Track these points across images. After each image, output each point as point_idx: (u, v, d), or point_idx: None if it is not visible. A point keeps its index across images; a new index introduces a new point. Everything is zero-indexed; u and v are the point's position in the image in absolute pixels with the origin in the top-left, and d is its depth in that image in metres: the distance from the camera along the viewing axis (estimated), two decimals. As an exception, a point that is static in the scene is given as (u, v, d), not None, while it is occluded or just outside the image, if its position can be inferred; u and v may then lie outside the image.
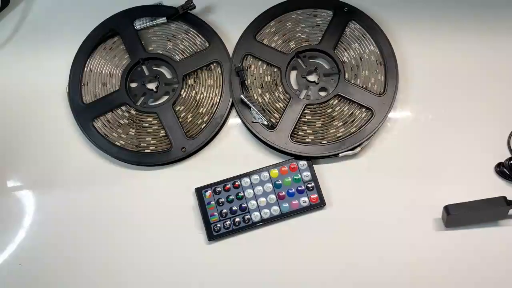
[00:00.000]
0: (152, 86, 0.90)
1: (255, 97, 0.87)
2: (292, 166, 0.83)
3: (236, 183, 0.83)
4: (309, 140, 0.84)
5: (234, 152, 0.86)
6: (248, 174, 0.83)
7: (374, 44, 0.88)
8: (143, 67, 0.91)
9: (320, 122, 0.85)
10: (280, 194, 0.82)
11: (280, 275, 0.79)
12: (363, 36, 0.89)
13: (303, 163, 0.83)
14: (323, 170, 0.84)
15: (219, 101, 0.88)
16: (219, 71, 0.89)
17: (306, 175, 0.83)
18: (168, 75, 0.91)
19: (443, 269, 0.78)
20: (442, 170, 0.83)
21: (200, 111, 0.88)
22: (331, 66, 0.88)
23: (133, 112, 0.88)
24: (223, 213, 0.81)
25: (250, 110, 0.85)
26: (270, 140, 0.84)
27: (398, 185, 0.82)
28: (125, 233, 0.82)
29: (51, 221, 0.84)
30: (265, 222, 0.81)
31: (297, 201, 0.81)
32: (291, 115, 0.85)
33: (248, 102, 0.84)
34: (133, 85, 0.91)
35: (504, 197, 0.77)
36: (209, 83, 0.89)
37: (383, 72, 0.87)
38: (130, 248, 0.82)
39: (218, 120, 0.87)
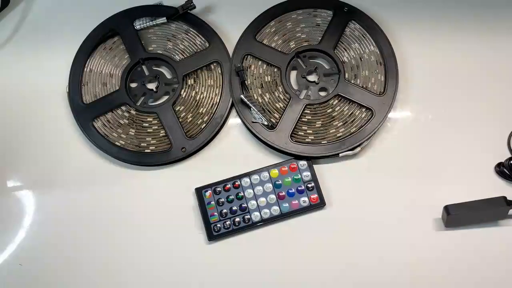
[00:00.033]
0: (152, 86, 0.90)
1: (255, 97, 0.87)
2: (292, 166, 0.83)
3: (236, 183, 0.83)
4: (309, 140, 0.84)
5: (234, 152, 0.86)
6: (248, 174, 0.83)
7: (374, 44, 0.88)
8: (143, 67, 0.91)
9: (320, 122, 0.85)
10: (280, 194, 0.82)
11: (280, 275, 0.79)
12: (363, 36, 0.89)
13: (303, 163, 0.83)
14: (323, 170, 0.84)
15: (219, 101, 0.88)
16: (219, 71, 0.89)
17: (306, 175, 0.83)
18: (168, 75, 0.91)
19: (443, 269, 0.78)
20: (442, 170, 0.83)
21: (200, 111, 0.88)
22: (331, 66, 0.88)
23: (133, 112, 0.88)
24: (223, 213, 0.81)
25: (250, 110, 0.85)
26: (270, 140, 0.84)
27: (398, 185, 0.82)
28: (125, 233, 0.82)
29: (51, 221, 0.84)
30: (265, 222, 0.81)
31: (297, 201, 0.81)
32: (291, 115, 0.85)
33: (248, 102, 0.84)
34: (133, 85, 0.91)
35: (504, 197, 0.77)
36: (209, 83, 0.89)
37: (383, 72, 0.87)
38: (130, 248, 0.82)
39: (218, 120, 0.87)
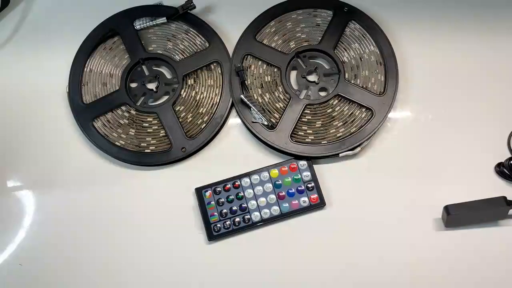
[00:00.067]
0: (152, 86, 0.90)
1: (255, 97, 0.87)
2: (292, 166, 0.83)
3: (236, 183, 0.83)
4: (309, 140, 0.84)
5: (234, 152, 0.86)
6: (248, 174, 0.83)
7: (374, 44, 0.88)
8: (143, 67, 0.91)
9: (320, 122, 0.85)
10: (280, 194, 0.82)
11: (280, 275, 0.79)
12: (363, 36, 0.89)
13: (303, 163, 0.83)
14: (323, 170, 0.84)
15: (219, 101, 0.88)
16: (219, 71, 0.89)
17: (306, 175, 0.83)
18: (168, 75, 0.91)
19: (443, 269, 0.78)
20: (442, 170, 0.83)
21: (200, 111, 0.88)
22: (331, 66, 0.88)
23: (133, 112, 0.88)
24: (223, 213, 0.81)
25: (250, 110, 0.85)
26: (270, 140, 0.84)
27: (398, 185, 0.82)
28: (125, 233, 0.82)
29: (51, 221, 0.84)
30: (265, 222, 0.81)
31: (297, 201, 0.81)
32: (291, 115, 0.85)
33: (248, 102, 0.84)
34: (133, 85, 0.91)
35: (504, 197, 0.77)
36: (209, 83, 0.89)
37: (383, 72, 0.87)
38: (130, 248, 0.82)
39: (218, 120, 0.87)
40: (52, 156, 0.88)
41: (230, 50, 0.90)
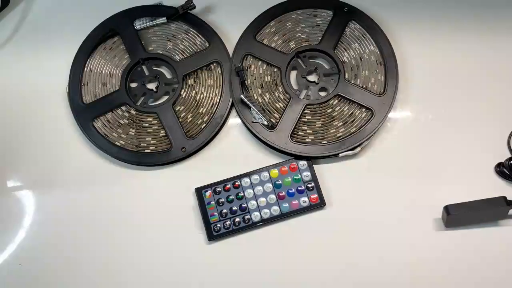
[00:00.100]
0: (152, 86, 0.90)
1: (255, 97, 0.87)
2: (292, 166, 0.83)
3: (236, 183, 0.83)
4: (309, 140, 0.84)
5: (234, 152, 0.86)
6: (248, 174, 0.83)
7: (374, 44, 0.88)
8: (143, 67, 0.91)
9: (320, 122, 0.85)
10: (280, 194, 0.82)
11: (280, 275, 0.79)
12: (363, 36, 0.89)
13: (303, 163, 0.83)
14: (323, 170, 0.84)
15: (219, 101, 0.88)
16: (219, 71, 0.89)
17: (306, 175, 0.83)
18: (168, 75, 0.91)
19: (443, 269, 0.78)
20: (442, 170, 0.83)
21: (200, 111, 0.88)
22: (331, 66, 0.88)
23: (133, 112, 0.88)
24: (223, 213, 0.81)
25: (250, 110, 0.85)
26: (270, 140, 0.84)
27: (398, 185, 0.82)
28: (125, 233, 0.82)
29: (51, 221, 0.84)
30: (265, 222, 0.81)
31: (297, 201, 0.81)
32: (291, 115, 0.85)
33: (248, 102, 0.84)
34: (133, 85, 0.91)
35: (504, 197, 0.77)
36: (209, 83, 0.89)
37: (383, 72, 0.87)
38: (130, 248, 0.82)
39: (218, 120, 0.87)
40: (52, 156, 0.88)
41: (230, 50, 0.90)
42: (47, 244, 0.83)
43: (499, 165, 0.82)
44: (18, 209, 0.85)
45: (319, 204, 0.81)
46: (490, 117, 0.85)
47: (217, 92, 0.88)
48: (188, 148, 0.85)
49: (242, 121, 0.86)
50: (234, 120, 0.88)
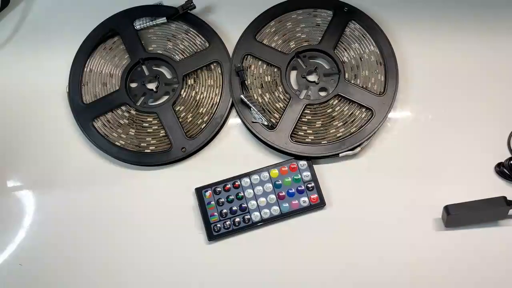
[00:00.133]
0: (152, 86, 0.90)
1: (255, 97, 0.87)
2: (292, 166, 0.83)
3: (236, 183, 0.83)
4: (309, 140, 0.84)
5: (234, 152, 0.86)
6: (248, 174, 0.83)
7: (374, 44, 0.88)
8: (143, 67, 0.91)
9: (320, 122, 0.85)
10: (280, 194, 0.82)
11: (280, 275, 0.79)
12: (363, 36, 0.89)
13: (303, 163, 0.83)
14: (323, 170, 0.84)
15: (219, 101, 0.88)
16: (219, 71, 0.89)
17: (306, 175, 0.83)
18: (168, 75, 0.91)
19: (443, 269, 0.78)
20: (442, 170, 0.83)
21: (200, 111, 0.88)
22: (331, 66, 0.88)
23: (133, 112, 0.88)
24: (223, 213, 0.81)
25: (250, 110, 0.85)
26: (270, 140, 0.84)
27: (398, 185, 0.82)
28: (125, 233, 0.82)
29: (51, 221, 0.84)
30: (265, 222, 0.81)
31: (297, 201, 0.81)
32: (291, 115, 0.85)
33: (248, 102, 0.84)
34: (133, 85, 0.91)
35: (504, 197, 0.77)
36: (209, 83, 0.89)
37: (383, 72, 0.87)
38: (130, 248, 0.82)
39: (218, 120, 0.87)
40: (52, 156, 0.88)
41: (230, 50, 0.90)
42: (47, 244, 0.83)
43: (499, 165, 0.82)
44: (18, 209, 0.85)
45: (319, 204, 0.81)
46: (490, 117, 0.85)
47: (217, 92, 0.88)
48: (188, 148, 0.85)
49: (242, 121, 0.86)
50: (234, 120, 0.88)
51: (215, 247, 0.81)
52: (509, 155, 0.82)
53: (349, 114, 0.85)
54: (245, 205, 0.82)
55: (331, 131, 0.85)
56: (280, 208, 0.81)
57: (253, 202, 0.82)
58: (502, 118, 0.85)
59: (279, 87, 0.87)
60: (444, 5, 0.92)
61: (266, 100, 0.87)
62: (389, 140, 0.85)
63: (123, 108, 0.88)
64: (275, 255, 0.80)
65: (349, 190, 0.83)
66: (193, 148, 0.85)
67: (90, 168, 0.87)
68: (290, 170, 0.83)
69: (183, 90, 0.89)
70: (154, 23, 0.92)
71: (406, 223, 0.80)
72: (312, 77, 0.88)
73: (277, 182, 0.83)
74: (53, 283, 0.81)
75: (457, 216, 0.77)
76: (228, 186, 0.83)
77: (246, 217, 0.81)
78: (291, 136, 0.84)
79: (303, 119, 0.85)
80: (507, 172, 0.81)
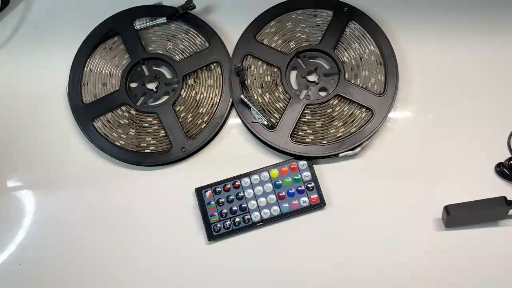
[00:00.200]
0: (152, 86, 0.90)
1: (255, 97, 0.87)
2: (292, 166, 0.83)
3: (236, 183, 0.83)
4: (309, 140, 0.84)
5: (234, 152, 0.86)
6: (248, 174, 0.83)
7: (374, 44, 0.88)
8: (143, 67, 0.91)
9: (320, 122, 0.85)
10: (280, 194, 0.82)
11: (280, 275, 0.79)
12: (363, 36, 0.89)
13: (303, 163, 0.83)
14: (323, 170, 0.84)
15: (219, 101, 0.88)
16: (219, 71, 0.89)
17: (306, 175, 0.83)
18: (168, 75, 0.91)
19: (443, 269, 0.78)
20: (442, 170, 0.83)
21: (200, 111, 0.88)
22: (331, 66, 0.88)
23: (133, 112, 0.88)
24: (223, 213, 0.81)
25: (250, 110, 0.85)
26: (270, 140, 0.84)
27: (398, 185, 0.82)
28: (125, 233, 0.82)
29: (51, 221, 0.84)
30: (265, 222, 0.81)
31: (297, 201, 0.81)
32: (291, 115, 0.85)
33: (248, 102, 0.84)
34: (133, 85, 0.91)
35: (504, 197, 0.77)
36: (209, 83, 0.89)
37: (383, 72, 0.87)
38: (130, 248, 0.82)
39: (218, 120, 0.87)
40: (52, 156, 0.88)
41: (230, 50, 0.90)
42: (47, 244, 0.83)
43: (499, 165, 0.82)
44: (18, 209, 0.85)
45: (319, 204, 0.81)
46: (490, 117, 0.85)
47: (217, 92, 0.88)
48: (188, 148, 0.85)
49: (242, 121, 0.86)
50: (234, 120, 0.88)
51: (215, 247, 0.81)
52: (509, 155, 0.82)
53: (349, 114, 0.85)
54: (245, 205, 0.82)
55: (331, 131, 0.85)
56: (280, 208, 0.81)
57: (253, 202, 0.82)
58: (502, 118, 0.85)
59: (279, 87, 0.87)
60: (444, 5, 0.92)
61: (266, 100, 0.87)
62: (389, 140, 0.85)
63: (123, 108, 0.88)
64: (275, 255, 0.80)
65: (349, 190, 0.83)
66: (193, 148, 0.85)
67: (90, 168, 0.87)
68: (290, 170, 0.83)
69: (183, 90, 0.89)
70: (154, 23, 0.92)
71: (406, 223, 0.80)
72: (312, 77, 0.88)
73: (277, 182, 0.83)
74: (53, 283, 0.81)
75: (457, 216, 0.77)
76: (228, 186, 0.83)
77: (246, 217, 0.81)
78: (291, 136, 0.84)
79: (303, 119, 0.85)
80: (507, 172, 0.81)
